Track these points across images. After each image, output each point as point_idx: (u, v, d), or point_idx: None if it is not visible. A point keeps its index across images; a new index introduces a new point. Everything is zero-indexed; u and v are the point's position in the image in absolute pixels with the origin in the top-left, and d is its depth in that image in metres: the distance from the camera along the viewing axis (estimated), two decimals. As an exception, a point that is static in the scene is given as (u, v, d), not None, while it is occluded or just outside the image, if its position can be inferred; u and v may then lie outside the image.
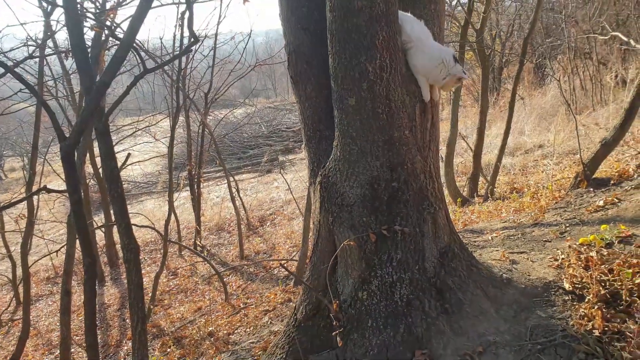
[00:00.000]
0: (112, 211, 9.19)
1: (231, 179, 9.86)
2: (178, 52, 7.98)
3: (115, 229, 9.44)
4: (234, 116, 18.74)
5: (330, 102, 2.90)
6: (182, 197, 13.21)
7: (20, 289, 8.44)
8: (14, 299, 9.03)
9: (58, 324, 7.68)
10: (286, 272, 6.78)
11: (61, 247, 7.54)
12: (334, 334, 2.67)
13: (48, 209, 12.33)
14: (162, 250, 8.42)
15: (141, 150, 14.18)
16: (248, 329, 4.87)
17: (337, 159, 2.89)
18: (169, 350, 5.17)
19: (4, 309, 8.66)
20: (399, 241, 2.76)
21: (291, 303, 5.31)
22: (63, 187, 3.52)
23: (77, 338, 6.52)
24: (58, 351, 6.66)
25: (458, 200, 7.19)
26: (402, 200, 2.79)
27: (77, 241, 4.85)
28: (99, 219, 10.29)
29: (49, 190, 3.87)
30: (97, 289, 8.42)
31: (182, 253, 9.51)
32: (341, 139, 2.83)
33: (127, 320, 7.04)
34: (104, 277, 9.04)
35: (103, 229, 9.30)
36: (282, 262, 6.68)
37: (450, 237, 2.98)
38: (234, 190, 9.53)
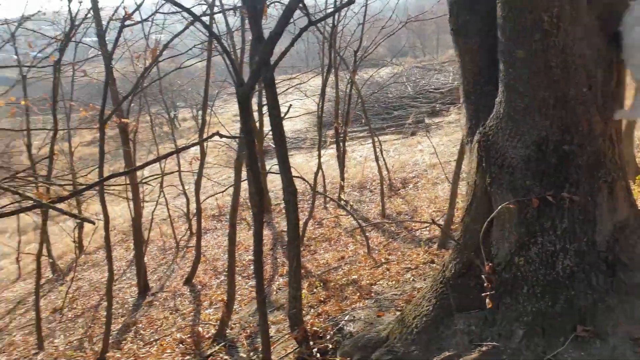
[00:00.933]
0: (265, 162, 9.98)
1: (375, 139, 9.95)
2: (334, 8, 8.16)
3: (267, 179, 10.32)
4: (379, 76, 18.66)
5: (493, 55, 2.74)
6: (327, 155, 13.78)
7: (193, 222, 9.82)
8: (188, 230, 10.56)
9: (222, 254, 8.83)
10: (429, 234, 6.76)
11: (227, 188, 8.50)
12: (484, 295, 2.62)
13: (213, 156, 13.91)
14: (309, 201, 9.00)
15: (292, 107, 15.04)
16: (390, 283, 5.03)
17: (500, 116, 2.74)
18: (315, 290, 5.60)
19: (180, 236, 10.20)
20: (565, 209, 2.55)
21: (434, 264, 5.32)
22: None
23: (237, 269, 7.39)
24: (223, 276, 7.69)
25: (637, 178, 6.30)
26: (574, 165, 2.55)
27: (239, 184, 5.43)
28: (255, 167, 11.27)
29: (222, 136, 4.36)
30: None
31: (327, 206, 10.02)
32: (506, 94, 2.67)
33: (279, 259, 7.77)
34: (258, 220, 9.99)
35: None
36: (427, 223, 6.65)
37: (630, 211, 2.66)
38: (377, 150, 9.64)
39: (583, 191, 2.55)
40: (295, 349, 3.65)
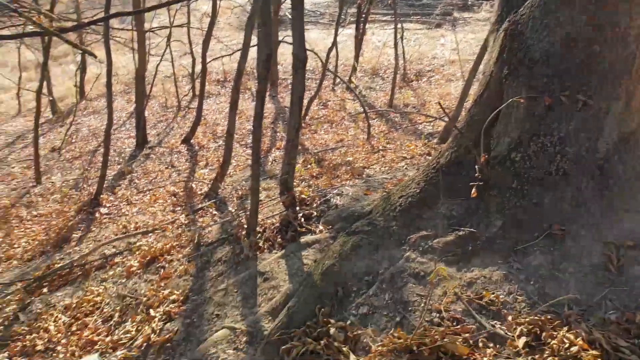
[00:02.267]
0: (279, 33, 9.53)
1: (398, 25, 9.44)
2: None
3: (277, 51, 9.96)
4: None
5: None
6: (345, 34, 13.16)
7: (197, 83, 9.68)
8: (191, 90, 10.44)
9: (223, 119, 8.87)
10: (432, 129, 6.74)
11: (235, 52, 8.26)
12: (472, 184, 2.67)
13: (225, 17, 13.27)
14: (317, 80, 8.81)
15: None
16: (383, 168, 5.12)
17: (535, 5, 2.57)
18: (309, 166, 5.72)
19: (183, 95, 10.13)
20: (575, 112, 2.50)
21: (430, 157, 5.37)
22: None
23: (235, 136, 7.46)
24: (221, 141, 7.80)
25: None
26: (599, 68, 2.45)
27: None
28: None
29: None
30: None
31: (335, 87, 9.84)
32: (547, -20, 2.48)
33: (278, 134, 7.82)
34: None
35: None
36: (433, 117, 6.60)
37: (638, 125, 2.61)
38: (398, 37, 9.20)
39: (600, 96, 2.47)
40: (282, 212, 3.82)
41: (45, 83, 9.39)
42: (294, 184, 4.52)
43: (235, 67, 11.22)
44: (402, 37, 9.37)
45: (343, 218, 3.34)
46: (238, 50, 6.70)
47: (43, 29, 3.30)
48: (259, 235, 3.60)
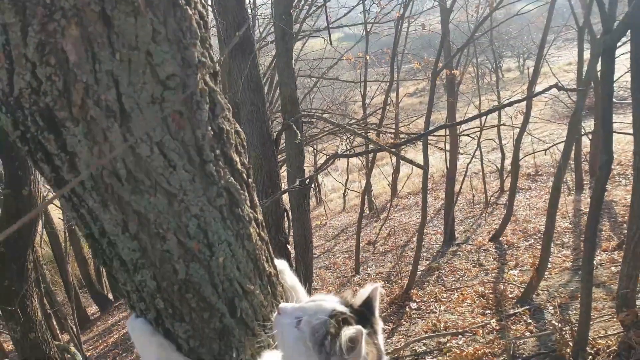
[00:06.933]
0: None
1: None
2: None
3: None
4: None
5: None
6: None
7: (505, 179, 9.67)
8: (499, 187, 10.52)
9: (534, 216, 8.51)
10: None
11: (552, 146, 8.04)
12: None
13: (536, 110, 13.12)
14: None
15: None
16: None
17: None
18: (651, 276, 4.84)
19: (491, 192, 10.28)
20: None
21: None
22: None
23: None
24: (533, 240, 7.47)
25: None
26: None
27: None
28: (587, 125, 10.10)
29: (561, 88, 4.13)
30: (576, 195, 8.67)
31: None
32: None
33: (603, 232, 6.97)
34: (583, 185, 9.08)
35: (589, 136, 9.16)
36: None
37: None
38: None
39: None
40: (619, 332, 3.33)
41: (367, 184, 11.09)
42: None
43: (546, 159, 10.79)
44: None
45: None
46: (556, 144, 6.51)
47: (379, 145, 4.01)
48: (590, 357, 3.21)
